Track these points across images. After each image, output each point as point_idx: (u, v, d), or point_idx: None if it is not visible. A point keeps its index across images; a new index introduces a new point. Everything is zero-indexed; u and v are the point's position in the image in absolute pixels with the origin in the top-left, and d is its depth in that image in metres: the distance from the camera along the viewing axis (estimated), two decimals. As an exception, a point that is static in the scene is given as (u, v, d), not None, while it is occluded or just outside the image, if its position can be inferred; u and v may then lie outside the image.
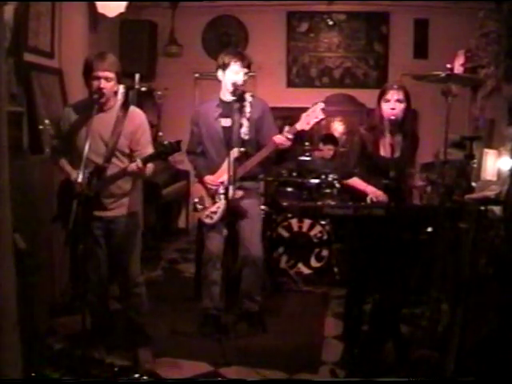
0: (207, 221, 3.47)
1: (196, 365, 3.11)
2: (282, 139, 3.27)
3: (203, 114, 3.49)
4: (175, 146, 2.70)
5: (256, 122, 3.41)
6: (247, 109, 3.39)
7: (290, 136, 3.27)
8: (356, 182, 3.15)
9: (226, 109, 3.37)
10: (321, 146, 5.13)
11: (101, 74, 2.79)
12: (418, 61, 5.72)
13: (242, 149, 3.31)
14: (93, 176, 2.80)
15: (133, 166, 2.76)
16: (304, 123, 3.26)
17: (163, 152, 2.73)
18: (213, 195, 3.46)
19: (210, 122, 3.44)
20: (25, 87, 3.66)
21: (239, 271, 3.55)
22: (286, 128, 3.32)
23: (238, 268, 3.56)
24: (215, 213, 3.44)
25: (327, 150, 5.07)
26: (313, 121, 3.24)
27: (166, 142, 2.72)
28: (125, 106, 2.97)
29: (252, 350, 3.29)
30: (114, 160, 2.87)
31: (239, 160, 3.31)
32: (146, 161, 2.78)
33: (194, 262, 4.35)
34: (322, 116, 3.24)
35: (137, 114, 3.00)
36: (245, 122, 3.37)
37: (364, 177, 3.12)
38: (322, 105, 3.25)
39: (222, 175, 3.38)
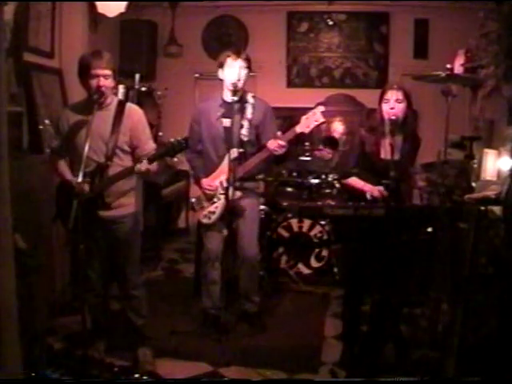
0: (205, 221, 3.47)
1: (196, 365, 3.11)
2: (275, 145, 3.25)
3: (205, 112, 3.48)
4: (183, 143, 2.70)
5: (257, 124, 3.41)
6: (249, 110, 3.39)
7: (283, 143, 3.24)
8: (354, 181, 3.15)
9: (228, 109, 3.36)
10: (320, 146, 5.13)
11: (99, 71, 2.79)
12: (418, 61, 5.71)
13: (241, 149, 3.31)
14: (95, 175, 2.80)
15: (141, 167, 2.74)
16: (304, 126, 3.25)
17: (171, 149, 2.71)
18: (211, 196, 3.46)
19: (211, 121, 3.43)
20: (25, 87, 3.66)
21: (238, 271, 3.56)
22: (279, 133, 3.30)
23: (238, 268, 3.56)
24: (213, 213, 3.43)
25: (326, 153, 5.08)
26: (313, 124, 3.23)
27: (172, 140, 2.71)
28: (121, 103, 2.96)
29: (252, 350, 3.29)
30: (114, 158, 2.87)
31: (238, 160, 3.30)
32: (153, 159, 2.76)
33: (194, 262, 4.36)
34: (322, 119, 3.23)
35: (134, 110, 2.99)
36: (245, 124, 3.37)
37: (364, 177, 3.12)
38: (322, 108, 3.25)
39: (220, 175, 3.38)
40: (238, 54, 3.32)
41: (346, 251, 4.16)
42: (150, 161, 2.74)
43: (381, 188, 3.00)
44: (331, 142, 5.17)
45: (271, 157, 3.37)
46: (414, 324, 3.30)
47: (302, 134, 3.28)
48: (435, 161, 3.81)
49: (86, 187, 2.72)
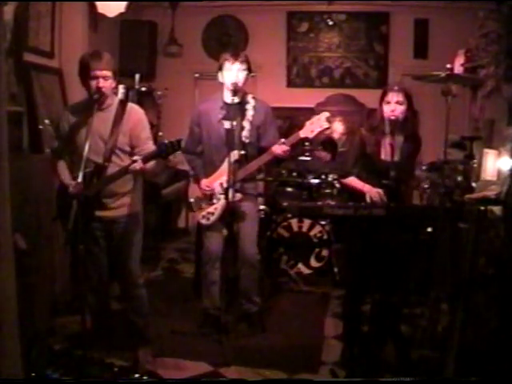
0: (203, 221, 3.47)
1: (196, 365, 3.11)
2: (279, 150, 3.28)
3: (205, 114, 3.47)
4: (176, 145, 2.70)
5: (258, 126, 3.41)
6: (250, 112, 3.38)
7: (287, 148, 3.27)
8: (353, 181, 3.15)
9: (229, 111, 3.35)
10: (319, 148, 5.13)
11: (99, 73, 2.78)
12: (418, 61, 5.72)
13: (242, 152, 3.31)
14: (93, 175, 2.80)
15: (135, 166, 2.73)
16: (308, 131, 3.26)
17: (164, 151, 2.71)
18: (210, 196, 3.46)
19: (212, 123, 3.42)
20: (25, 87, 3.66)
21: (238, 271, 3.56)
22: (282, 140, 3.31)
23: (238, 268, 3.56)
24: (212, 214, 3.43)
25: (325, 155, 5.08)
26: (317, 130, 3.25)
27: (166, 141, 2.71)
28: (123, 103, 2.96)
29: (252, 350, 3.29)
30: (114, 159, 2.87)
31: (238, 162, 3.30)
32: (146, 159, 2.76)
33: (194, 262, 4.36)
34: (326, 125, 3.26)
35: (135, 111, 2.99)
36: (246, 125, 3.37)
37: (363, 177, 3.12)
38: (326, 114, 3.27)
39: (220, 177, 3.38)
40: (235, 57, 3.31)
41: (346, 251, 4.17)
42: (144, 161, 2.75)
43: (380, 191, 2.99)
44: (330, 144, 5.16)
45: (273, 160, 3.38)
46: (414, 324, 3.30)
47: (305, 138, 3.30)
48: (435, 161, 3.81)
49: (84, 188, 2.72)
